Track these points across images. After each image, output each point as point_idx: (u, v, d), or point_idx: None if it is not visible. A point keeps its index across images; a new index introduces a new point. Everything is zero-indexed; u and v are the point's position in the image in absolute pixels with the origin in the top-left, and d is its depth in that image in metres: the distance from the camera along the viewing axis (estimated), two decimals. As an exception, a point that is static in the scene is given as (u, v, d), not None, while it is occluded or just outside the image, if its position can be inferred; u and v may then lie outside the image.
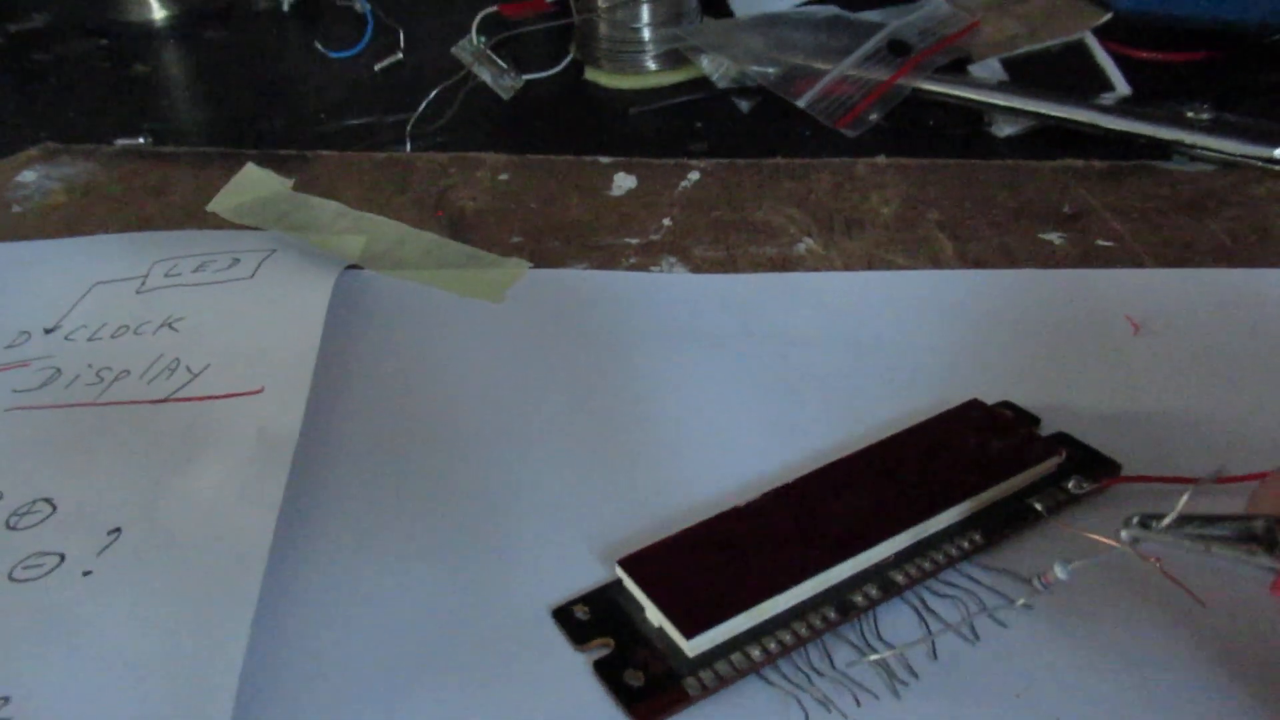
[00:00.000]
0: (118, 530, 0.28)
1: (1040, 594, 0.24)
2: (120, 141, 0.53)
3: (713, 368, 0.34)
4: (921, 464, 0.28)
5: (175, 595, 0.26)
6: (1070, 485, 0.28)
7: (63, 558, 0.27)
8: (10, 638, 0.25)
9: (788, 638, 0.24)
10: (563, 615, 0.25)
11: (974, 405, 0.30)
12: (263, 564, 0.26)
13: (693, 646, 0.23)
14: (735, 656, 0.24)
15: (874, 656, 0.23)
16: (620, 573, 0.25)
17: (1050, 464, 0.28)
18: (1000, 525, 0.27)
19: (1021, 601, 0.24)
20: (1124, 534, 0.22)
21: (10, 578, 0.26)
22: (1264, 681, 0.23)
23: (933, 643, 0.24)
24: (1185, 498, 0.21)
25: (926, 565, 0.26)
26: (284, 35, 0.69)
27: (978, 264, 0.39)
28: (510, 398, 0.33)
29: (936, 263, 0.39)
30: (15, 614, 0.25)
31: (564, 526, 0.28)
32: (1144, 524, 0.22)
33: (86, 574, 0.26)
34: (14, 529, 0.28)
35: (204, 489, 0.29)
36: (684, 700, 0.23)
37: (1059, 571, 0.23)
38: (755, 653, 0.24)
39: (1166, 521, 0.22)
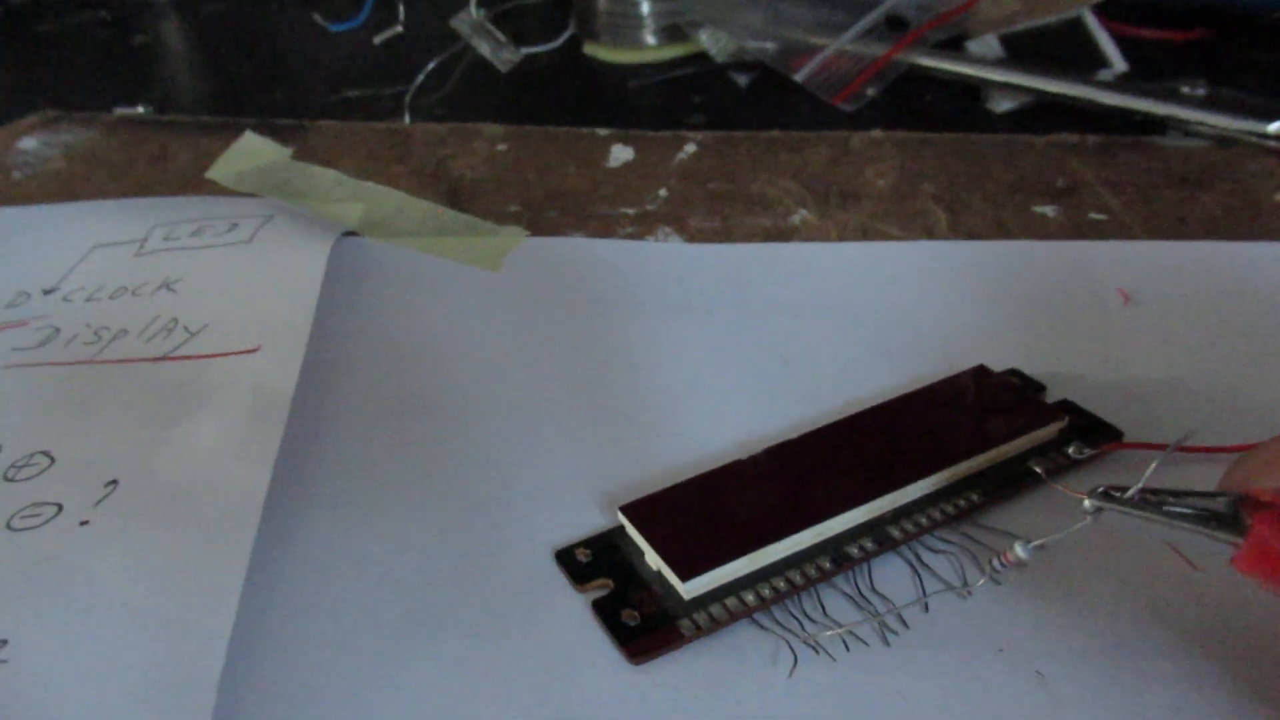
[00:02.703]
0: (114, 482, 0.28)
1: (1000, 573, 0.24)
2: (120, 110, 0.53)
3: (708, 334, 0.34)
4: (924, 424, 0.28)
5: (170, 545, 0.26)
6: (1071, 450, 0.28)
7: (60, 508, 0.27)
8: (8, 584, 0.25)
9: (782, 585, 0.24)
10: (565, 557, 0.26)
11: (980, 371, 0.30)
12: (257, 516, 0.26)
13: (689, 589, 0.24)
14: (730, 600, 0.24)
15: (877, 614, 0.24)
16: (622, 518, 0.26)
17: (1052, 429, 0.28)
18: (999, 486, 0.27)
19: (981, 582, 0.24)
20: (1087, 503, 0.22)
21: (8, 527, 0.27)
22: (1251, 647, 0.23)
23: (925, 596, 0.24)
24: (1150, 469, 0.22)
25: (923, 521, 0.26)
26: (284, 8, 0.69)
27: (971, 236, 0.39)
28: (507, 362, 0.33)
29: (930, 234, 0.39)
30: (13, 562, 0.26)
31: (566, 478, 0.29)
32: (1108, 495, 0.22)
33: (83, 524, 0.26)
34: (12, 481, 0.28)
35: (200, 443, 0.29)
36: (678, 640, 0.23)
37: (1020, 551, 0.23)
38: (749, 597, 0.24)
39: (1130, 493, 0.22)
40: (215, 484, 0.27)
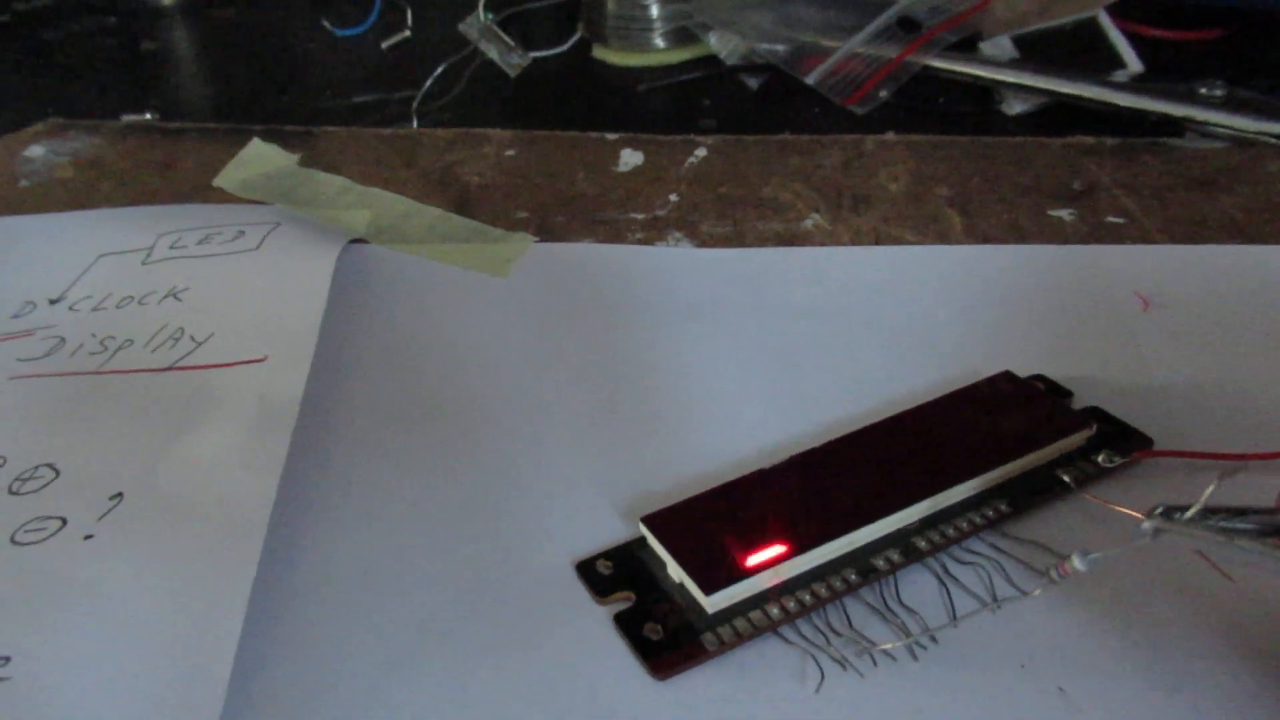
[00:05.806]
0: (119, 495, 0.27)
1: (1057, 584, 0.23)
2: (127, 117, 0.52)
3: (721, 341, 0.34)
4: (949, 432, 0.28)
5: (176, 558, 0.25)
6: (1100, 459, 0.27)
7: (65, 522, 0.27)
8: (12, 600, 0.25)
9: (807, 598, 0.24)
10: (585, 569, 0.25)
11: (1006, 377, 0.30)
12: (264, 527, 0.26)
13: (712, 603, 0.23)
14: (754, 614, 0.23)
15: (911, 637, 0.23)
16: (643, 529, 0.25)
17: (1080, 436, 0.27)
18: (1027, 496, 0.26)
19: (1038, 592, 0.23)
20: (1147, 524, 0.22)
21: (13, 541, 0.26)
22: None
23: (953, 610, 0.24)
24: (1210, 490, 0.21)
25: (950, 532, 0.25)
26: (292, 13, 0.68)
27: (986, 240, 0.38)
28: (518, 369, 0.33)
29: (945, 239, 0.39)
30: (17, 577, 0.25)
31: (582, 488, 0.28)
32: (1168, 515, 0.22)
33: (88, 538, 0.26)
34: (17, 494, 0.28)
35: (205, 454, 0.28)
36: (702, 655, 0.23)
37: (1077, 563, 0.22)
38: (774, 611, 0.24)
39: (1191, 513, 0.21)
40: (221, 495, 0.27)
